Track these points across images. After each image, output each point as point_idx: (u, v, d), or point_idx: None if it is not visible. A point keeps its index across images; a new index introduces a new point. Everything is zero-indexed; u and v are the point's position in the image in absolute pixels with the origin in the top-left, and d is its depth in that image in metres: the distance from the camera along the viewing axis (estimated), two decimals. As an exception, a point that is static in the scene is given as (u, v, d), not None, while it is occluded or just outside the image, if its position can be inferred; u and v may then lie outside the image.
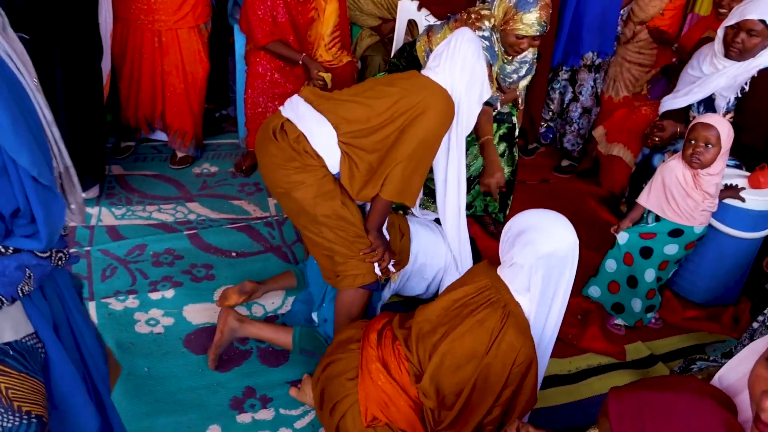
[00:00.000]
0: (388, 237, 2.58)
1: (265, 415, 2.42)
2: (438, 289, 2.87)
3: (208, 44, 3.73)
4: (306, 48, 3.63)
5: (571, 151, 4.14)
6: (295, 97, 2.48)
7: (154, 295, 2.88)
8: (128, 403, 2.37)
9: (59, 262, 1.35)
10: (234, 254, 3.19)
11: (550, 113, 4.13)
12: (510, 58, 2.98)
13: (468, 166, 3.17)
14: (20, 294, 1.27)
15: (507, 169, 3.29)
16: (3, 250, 1.23)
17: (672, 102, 3.22)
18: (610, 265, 2.94)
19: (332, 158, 2.37)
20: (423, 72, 2.48)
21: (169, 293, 2.90)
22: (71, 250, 1.43)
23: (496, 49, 2.94)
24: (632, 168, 3.52)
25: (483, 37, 2.85)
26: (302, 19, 3.59)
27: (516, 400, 2.05)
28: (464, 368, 1.99)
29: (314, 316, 2.75)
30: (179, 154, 3.88)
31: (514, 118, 3.24)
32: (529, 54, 3.04)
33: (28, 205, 1.24)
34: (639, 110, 3.56)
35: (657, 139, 3.14)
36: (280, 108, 2.49)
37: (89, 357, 1.54)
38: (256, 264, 3.12)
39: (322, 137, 2.36)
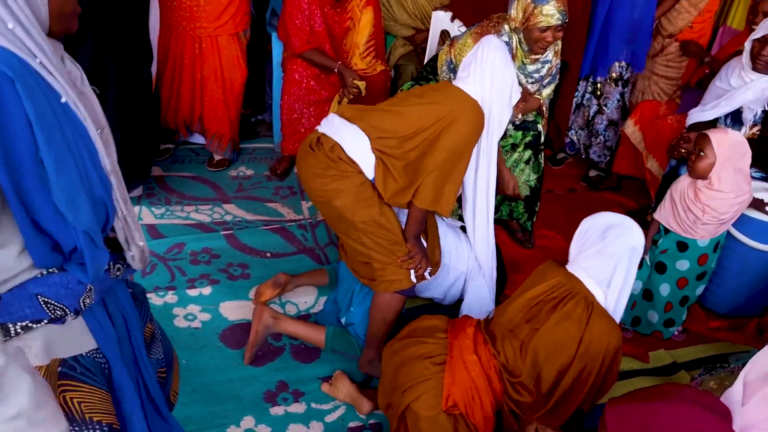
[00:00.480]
0: (425, 245, 2.66)
1: (297, 408, 2.53)
2: (461, 295, 2.94)
3: (247, 51, 3.85)
4: (341, 56, 3.74)
5: (598, 162, 4.20)
6: (331, 114, 2.59)
7: (192, 292, 3.00)
8: (167, 393, 2.48)
9: (117, 273, 1.44)
10: (269, 255, 3.30)
11: (573, 124, 4.19)
12: (536, 57, 3.05)
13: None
14: (82, 306, 1.35)
15: (533, 176, 3.37)
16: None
17: (699, 115, 3.26)
18: (635, 287, 2.98)
19: (367, 163, 2.45)
20: (454, 82, 2.56)
21: (207, 290, 3.02)
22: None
23: (515, 52, 3.02)
24: (659, 178, 3.56)
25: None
26: (338, 29, 3.70)
27: (604, 386, 2.16)
28: (559, 360, 2.09)
29: (343, 320, 2.84)
30: (216, 157, 4.01)
31: (540, 126, 3.32)
32: (550, 54, 3.11)
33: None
34: (665, 120, 3.60)
35: (683, 150, 3.19)
36: (317, 126, 2.59)
37: (144, 369, 1.62)
38: (290, 264, 3.23)
39: (356, 144, 2.45)
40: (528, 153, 3.32)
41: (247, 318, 2.87)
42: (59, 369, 1.35)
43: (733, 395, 1.52)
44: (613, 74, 3.95)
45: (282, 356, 2.74)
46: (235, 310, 2.94)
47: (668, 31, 3.87)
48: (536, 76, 3.13)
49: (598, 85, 4.02)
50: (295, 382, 2.63)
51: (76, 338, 1.38)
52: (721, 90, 3.22)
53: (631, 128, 3.76)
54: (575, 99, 4.10)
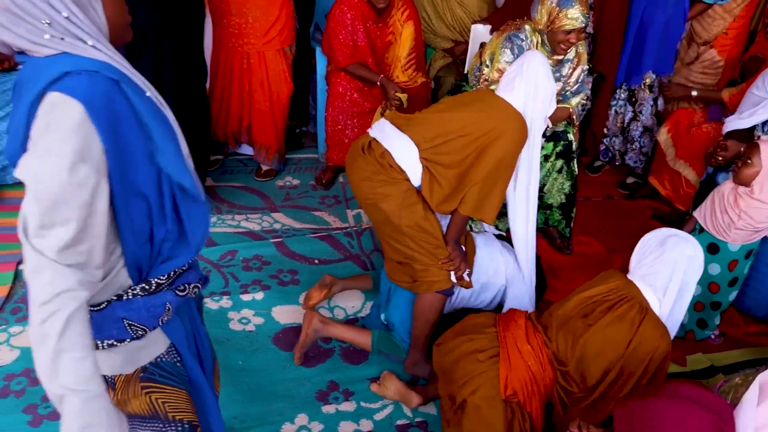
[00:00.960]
0: (464, 249, 2.78)
1: (348, 407, 2.66)
2: (501, 301, 3.04)
3: (292, 65, 4.01)
4: (383, 69, 3.87)
5: (634, 167, 4.26)
6: (382, 119, 2.72)
7: (246, 297, 3.16)
8: (225, 391, 2.63)
9: (194, 292, 1.59)
10: (317, 261, 3.45)
11: (607, 131, 4.26)
12: (558, 58, 3.17)
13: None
14: (160, 323, 1.50)
15: (567, 184, 3.46)
16: (148, 287, 1.46)
17: (736, 122, 3.30)
18: None
19: (414, 172, 2.58)
20: (497, 92, 2.66)
21: (259, 295, 3.17)
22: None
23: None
24: (696, 186, 3.62)
25: (524, 40, 3.12)
26: (380, 43, 3.84)
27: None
28: (607, 357, 2.17)
29: (382, 317, 2.97)
30: (264, 168, 4.17)
31: (570, 135, 3.41)
32: (571, 54, 3.22)
33: (175, 224, 1.48)
34: (700, 128, 3.64)
35: (720, 158, 3.23)
36: (369, 130, 2.73)
37: (205, 362, 1.76)
38: (337, 271, 3.36)
39: (405, 153, 2.58)
40: (560, 162, 3.42)
41: (298, 321, 3.02)
42: (141, 374, 1.50)
43: (749, 396, 1.60)
44: (647, 80, 4.03)
45: (332, 358, 2.88)
46: (286, 314, 3.08)
47: (702, 38, 3.90)
48: (556, 75, 3.24)
49: (634, 92, 4.09)
50: (345, 382, 2.76)
51: (153, 344, 1.52)
52: (757, 97, 3.26)
53: (663, 136, 3.83)
54: (614, 107, 4.17)
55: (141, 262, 1.45)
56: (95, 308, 1.40)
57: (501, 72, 3.14)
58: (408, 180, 2.60)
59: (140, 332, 1.45)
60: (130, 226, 1.38)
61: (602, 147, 4.34)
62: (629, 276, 2.31)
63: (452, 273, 2.66)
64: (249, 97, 3.98)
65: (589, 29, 3.88)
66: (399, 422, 2.62)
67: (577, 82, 3.29)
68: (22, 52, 1.32)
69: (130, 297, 1.43)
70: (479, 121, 2.55)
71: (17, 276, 3.14)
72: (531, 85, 2.60)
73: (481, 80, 3.24)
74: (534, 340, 2.29)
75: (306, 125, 4.69)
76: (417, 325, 2.75)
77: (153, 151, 1.36)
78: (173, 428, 1.54)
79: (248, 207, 3.87)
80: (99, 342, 1.42)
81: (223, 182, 4.10)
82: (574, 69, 3.27)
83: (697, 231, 2.99)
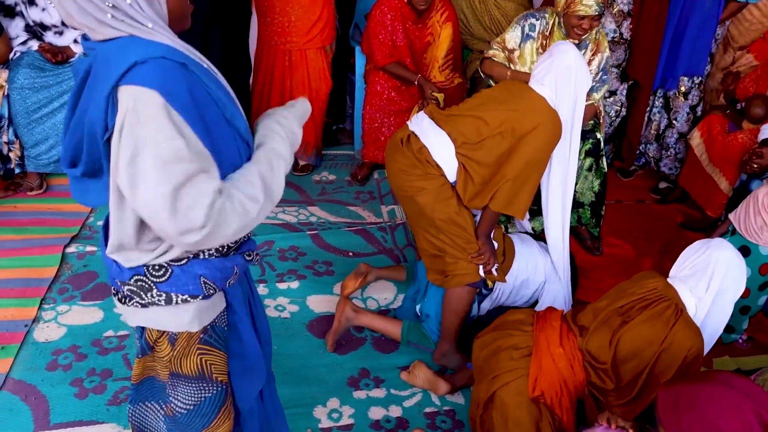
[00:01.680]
0: (495, 245, 2.84)
1: (378, 393, 2.74)
2: (538, 300, 3.10)
3: (331, 64, 4.11)
4: (421, 69, 3.95)
5: (668, 174, 4.28)
6: (421, 113, 2.80)
7: (282, 285, 3.26)
8: (261, 374, 2.73)
9: (257, 258, 1.71)
10: (351, 254, 3.54)
11: (642, 138, 4.29)
12: (575, 42, 3.21)
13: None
14: (227, 285, 1.60)
15: (596, 182, 3.51)
16: (221, 249, 1.56)
17: (771, 130, 3.33)
18: None
19: (450, 168, 2.66)
20: (531, 84, 2.70)
21: (294, 284, 3.27)
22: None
23: (553, 30, 3.27)
24: (728, 194, 3.64)
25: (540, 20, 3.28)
26: (419, 43, 3.92)
27: None
28: (642, 354, 2.22)
29: (417, 308, 3.05)
30: (301, 162, 4.27)
31: (598, 134, 3.47)
32: (588, 40, 3.29)
33: None
34: (736, 137, 3.65)
35: (756, 165, 3.24)
36: (408, 122, 2.81)
37: (259, 323, 1.85)
38: (371, 263, 3.43)
39: (442, 149, 2.65)
40: (589, 160, 3.47)
41: (331, 311, 3.11)
42: (201, 336, 1.60)
43: None
44: (682, 88, 4.05)
45: (364, 346, 2.96)
46: (320, 303, 3.18)
47: (739, 43, 3.91)
48: None
49: (669, 99, 4.11)
50: (376, 370, 2.84)
51: (217, 305, 1.62)
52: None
53: (697, 140, 3.83)
54: (649, 113, 4.20)
55: None
56: (176, 263, 1.50)
57: (500, 44, 3.31)
58: (443, 176, 2.67)
59: (211, 291, 1.55)
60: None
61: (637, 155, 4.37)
62: (669, 280, 2.35)
63: (480, 267, 2.72)
64: (290, 94, 4.09)
65: (627, 35, 3.91)
66: (427, 410, 2.70)
67: (599, 70, 3.34)
68: (87, 39, 1.40)
69: (206, 257, 1.54)
70: (514, 119, 2.61)
71: (64, 258, 3.28)
72: (565, 79, 2.63)
73: (486, 54, 3.36)
74: (567, 343, 2.34)
75: (343, 122, 4.79)
76: (447, 317, 2.82)
77: (229, 118, 1.45)
78: (214, 387, 1.65)
79: (285, 200, 3.96)
80: (174, 296, 1.52)
81: (261, 176, 4.19)
82: (594, 55, 3.34)
83: (730, 233, 3.02)
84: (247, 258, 1.65)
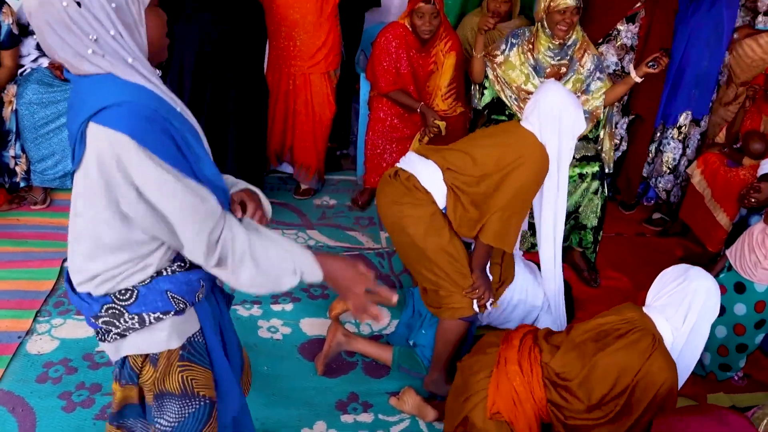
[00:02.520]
0: (491, 278, 2.84)
1: (366, 418, 2.73)
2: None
3: (336, 89, 4.15)
4: (424, 97, 3.99)
5: (665, 201, 4.27)
6: (409, 152, 2.84)
7: (276, 307, 3.27)
8: (249, 394, 2.72)
9: None
10: (346, 278, 3.54)
11: (653, 173, 4.30)
12: (559, 42, 3.47)
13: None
14: (197, 300, 1.63)
15: (599, 205, 3.53)
16: (183, 264, 1.59)
17: (771, 165, 3.33)
18: None
19: (439, 193, 2.66)
20: (522, 123, 2.73)
21: (289, 306, 3.28)
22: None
23: (538, 39, 3.51)
24: (728, 230, 3.63)
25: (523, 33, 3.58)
26: (422, 71, 3.96)
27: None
28: (613, 381, 2.21)
29: (410, 341, 3.04)
30: (303, 186, 4.30)
31: (604, 155, 3.57)
32: (574, 36, 3.46)
33: None
34: (737, 173, 3.64)
35: (753, 200, 3.24)
36: (397, 163, 2.83)
37: (231, 350, 1.86)
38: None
39: (429, 175, 2.67)
40: (596, 184, 3.51)
41: (324, 334, 3.10)
42: (180, 352, 1.62)
43: None
44: (680, 122, 4.08)
45: (354, 371, 2.96)
46: (313, 326, 3.18)
47: (741, 78, 3.93)
48: (562, 54, 3.52)
49: (681, 129, 4.12)
50: (365, 395, 2.84)
51: (191, 321, 1.64)
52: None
53: (697, 177, 3.84)
54: (654, 145, 4.22)
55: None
56: (143, 283, 1.54)
57: (488, 52, 3.60)
58: (434, 202, 2.67)
59: (182, 305, 1.58)
60: None
61: (642, 188, 4.38)
62: (645, 309, 2.34)
63: (475, 301, 2.71)
64: (293, 117, 4.13)
65: (628, 69, 3.94)
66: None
67: (595, 69, 3.49)
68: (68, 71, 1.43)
69: (169, 273, 1.56)
70: (501, 155, 2.63)
71: (62, 272, 3.31)
72: (549, 117, 2.64)
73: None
74: (526, 360, 2.34)
75: (346, 148, 4.83)
76: (438, 345, 2.81)
77: (192, 162, 1.46)
78: (197, 403, 1.66)
79: (285, 223, 4.00)
80: (146, 315, 1.55)
81: (262, 198, 4.23)
82: (583, 54, 3.49)
83: (726, 269, 3.01)
84: None
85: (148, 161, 1.35)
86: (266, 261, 1.50)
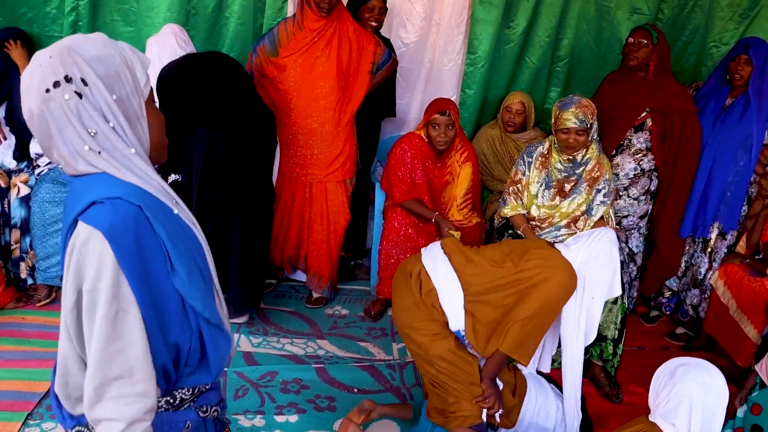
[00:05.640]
0: (501, 386, 2.72)
1: None
2: None
3: (351, 198, 4.15)
4: (439, 207, 3.97)
5: (691, 316, 4.13)
6: (437, 245, 2.79)
7: (280, 418, 3.10)
8: None
9: (214, 414, 1.61)
10: (356, 390, 3.39)
11: (677, 281, 4.19)
12: (568, 158, 3.51)
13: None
14: None
15: (620, 316, 3.39)
16: (172, 401, 1.49)
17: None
18: None
19: (455, 317, 2.64)
20: (559, 246, 2.75)
21: (293, 418, 3.12)
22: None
23: (551, 151, 3.57)
24: (757, 343, 3.47)
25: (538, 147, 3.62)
26: (438, 182, 3.96)
27: None
28: None
29: None
30: (315, 295, 4.22)
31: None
32: (585, 157, 3.48)
33: (198, 345, 1.50)
34: (763, 283, 3.54)
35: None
36: (422, 251, 2.79)
37: None
38: (376, 401, 3.28)
39: (451, 296, 2.65)
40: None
41: (329, 447, 2.94)
42: None
43: None
44: (713, 234, 4.01)
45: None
46: (318, 439, 3.01)
47: (768, 191, 3.90)
48: (571, 170, 3.54)
49: (708, 242, 4.04)
50: None
51: None
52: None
53: (721, 288, 3.72)
54: (686, 258, 4.15)
55: (168, 369, 1.47)
56: None
57: (511, 185, 3.64)
58: (446, 323, 2.65)
59: None
60: (160, 338, 1.42)
61: (664, 300, 4.26)
62: (650, 417, 2.21)
63: (484, 410, 2.60)
64: (308, 225, 4.11)
65: (647, 167, 3.93)
66: None
67: (604, 196, 3.51)
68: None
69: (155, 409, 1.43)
70: (528, 275, 2.61)
71: (60, 374, 3.18)
72: (593, 252, 2.71)
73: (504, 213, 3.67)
74: None
75: (361, 258, 4.77)
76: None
77: (166, 271, 1.39)
78: None
79: (295, 332, 3.89)
80: None
81: (273, 306, 4.15)
82: (596, 179, 3.50)
83: (758, 386, 2.84)
84: (201, 413, 1.55)
85: (107, 269, 1.30)
86: None
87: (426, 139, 3.87)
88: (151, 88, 1.47)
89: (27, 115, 1.35)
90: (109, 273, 1.29)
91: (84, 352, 1.37)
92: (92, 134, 1.34)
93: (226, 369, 3.40)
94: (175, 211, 1.45)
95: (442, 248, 2.80)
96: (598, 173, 3.50)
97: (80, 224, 1.32)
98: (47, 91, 1.31)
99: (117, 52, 1.39)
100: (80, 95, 1.32)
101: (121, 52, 1.40)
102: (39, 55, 1.35)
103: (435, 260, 2.74)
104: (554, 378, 3.07)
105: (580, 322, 2.78)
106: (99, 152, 1.35)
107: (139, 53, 1.46)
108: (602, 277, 2.73)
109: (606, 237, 2.73)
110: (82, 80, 1.32)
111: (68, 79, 1.31)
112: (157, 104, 1.46)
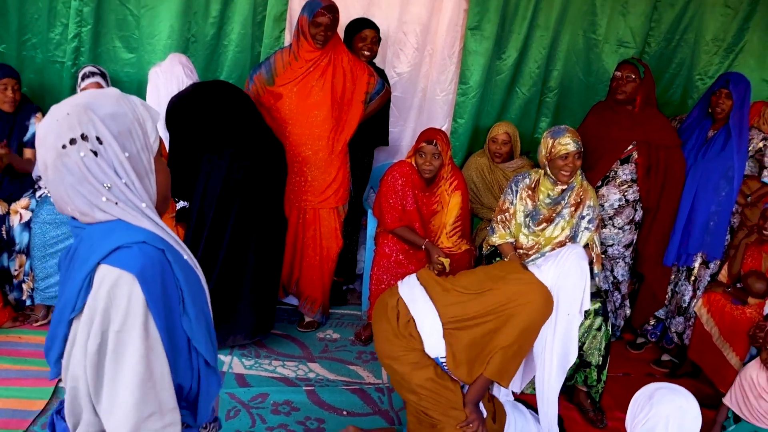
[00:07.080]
0: (485, 413, 2.78)
1: None
2: None
3: (343, 224, 4.24)
4: (429, 234, 4.05)
5: (676, 344, 4.20)
6: (413, 277, 2.86)
7: (270, 441, 3.17)
8: None
9: None
10: (345, 413, 3.45)
11: (668, 314, 4.27)
12: (561, 188, 3.55)
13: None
14: None
15: (604, 342, 3.46)
16: None
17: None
18: None
19: (435, 344, 2.72)
20: (530, 268, 2.82)
21: (284, 440, 3.18)
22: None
23: (540, 185, 3.61)
24: (739, 370, 3.53)
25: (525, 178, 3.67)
26: (427, 210, 4.04)
27: None
28: None
29: None
30: (307, 319, 4.28)
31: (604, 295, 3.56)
32: (574, 182, 3.53)
33: (197, 386, 1.54)
34: (744, 312, 3.62)
35: (761, 340, 3.20)
36: (399, 283, 2.86)
37: None
38: (364, 424, 3.35)
39: (429, 327, 2.73)
40: (599, 320, 3.47)
41: (318, 469, 2.99)
42: None
43: None
44: (696, 263, 4.09)
45: None
46: (307, 462, 3.07)
47: (752, 221, 3.99)
48: (559, 199, 3.58)
49: (692, 270, 4.13)
50: None
51: None
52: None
53: (705, 316, 3.80)
54: (671, 287, 4.23)
55: None
56: None
57: (499, 213, 3.69)
58: (426, 353, 2.72)
59: None
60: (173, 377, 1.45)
61: (650, 327, 4.34)
62: None
63: None
64: (301, 250, 4.20)
65: (632, 197, 4.02)
66: None
67: (588, 222, 3.57)
68: (74, 219, 1.43)
69: None
70: (505, 297, 2.70)
71: (56, 392, 3.25)
72: (563, 271, 2.75)
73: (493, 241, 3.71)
74: None
75: (353, 283, 4.84)
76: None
77: (179, 315, 1.44)
78: None
79: (286, 354, 3.95)
80: None
81: (266, 329, 4.20)
82: (579, 204, 3.56)
83: (732, 419, 2.90)
84: None
85: (138, 309, 1.33)
86: None
87: (416, 167, 3.96)
88: (161, 142, 1.52)
89: (41, 167, 1.39)
90: (141, 314, 1.33)
91: (96, 393, 1.37)
92: (107, 188, 1.38)
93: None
94: (185, 257, 1.50)
95: (418, 279, 2.88)
96: (582, 197, 3.58)
97: (104, 268, 1.34)
98: (63, 147, 1.35)
99: (130, 108, 1.43)
100: (95, 153, 1.36)
101: (134, 108, 1.44)
102: (56, 110, 1.39)
103: (412, 291, 2.82)
104: (531, 403, 3.13)
105: (555, 339, 2.83)
106: (116, 203, 1.39)
107: (150, 108, 1.50)
108: (576, 293, 2.78)
109: (573, 253, 2.78)
110: (98, 138, 1.36)
111: (84, 137, 1.36)
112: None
